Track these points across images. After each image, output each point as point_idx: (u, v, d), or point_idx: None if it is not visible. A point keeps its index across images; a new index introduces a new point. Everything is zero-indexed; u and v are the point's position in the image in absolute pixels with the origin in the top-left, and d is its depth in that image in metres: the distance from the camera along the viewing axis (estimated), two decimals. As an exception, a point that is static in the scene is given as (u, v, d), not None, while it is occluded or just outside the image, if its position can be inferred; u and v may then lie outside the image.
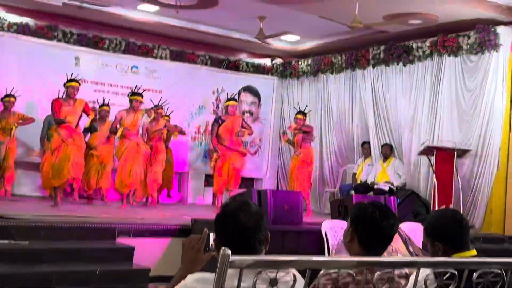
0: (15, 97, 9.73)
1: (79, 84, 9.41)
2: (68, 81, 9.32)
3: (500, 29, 9.86)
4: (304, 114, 11.14)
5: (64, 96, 9.26)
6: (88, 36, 11.76)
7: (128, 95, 10.28)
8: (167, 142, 11.09)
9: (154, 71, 12.24)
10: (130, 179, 9.74)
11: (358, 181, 11.06)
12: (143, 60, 12.30)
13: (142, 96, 10.12)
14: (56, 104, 9.06)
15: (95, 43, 11.85)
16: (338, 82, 12.76)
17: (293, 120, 11.32)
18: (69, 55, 11.47)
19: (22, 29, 11.02)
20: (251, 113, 11.93)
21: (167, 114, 10.80)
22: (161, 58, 12.56)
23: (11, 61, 10.20)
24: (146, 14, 11.42)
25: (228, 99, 11.12)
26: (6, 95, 9.70)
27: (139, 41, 12.30)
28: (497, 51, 9.88)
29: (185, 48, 12.87)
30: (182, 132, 11.29)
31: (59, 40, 11.49)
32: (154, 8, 10.97)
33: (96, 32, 11.82)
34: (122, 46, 12.12)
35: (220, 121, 10.56)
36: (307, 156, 10.95)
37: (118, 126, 9.87)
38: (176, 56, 12.77)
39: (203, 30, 12.20)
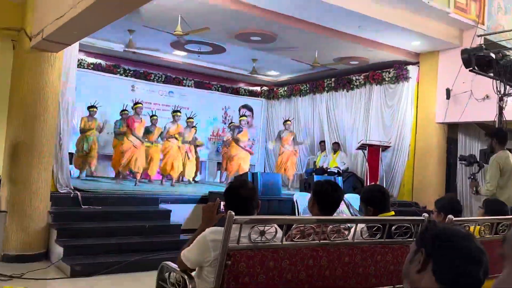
0: (96, 108, 9.71)
1: (142, 105, 9.66)
2: (135, 104, 9.54)
3: (409, 67, 9.94)
4: (289, 120, 11.29)
5: (134, 114, 9.40)
6: (140, 71, 11.70)
7: (171, 112, 10.28)
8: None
9: (184, 95, 12.20)
10: (172, 170, 9.77)
11: (317, 167, 11.08)
12: (176, 87, 12.23)
13: (180, 112, 10.22)
14: (129, 120, 9.27)
15: (145, 76, 11.79)
16: (304, 102, 12.73)
17: (283, 124, 11.33)
18: (128, 84, 11.44)
19: (96, 67, 11.00)
20: (247, 122, 11.92)
21: (195, 125, 10.81)
22: (188, 86, 12.48)
23: (90, 88, 10.18)
24: (178, 57, 11.39)
25: (241, 116, 11.35)
26: (91, 106, 9.67)
27: (173, 75, 12.22)
28: (407, 82, 9.96)
29: (204, 79, 12.79)
30: (199, 145, 11.37)
31: (121, 75, 11.43)
32: (183, 53, 10.95)
33: (146, 69, 11.76)
34: (163, 78, 12.05)
35: (239, 129, 10.70)
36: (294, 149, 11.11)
37: (166, 134, 9.95)
38: (198, 85, 12.69)
39: (216, 68, 12.18)
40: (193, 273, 2.70)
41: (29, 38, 6.02)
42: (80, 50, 7.83)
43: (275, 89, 13.79)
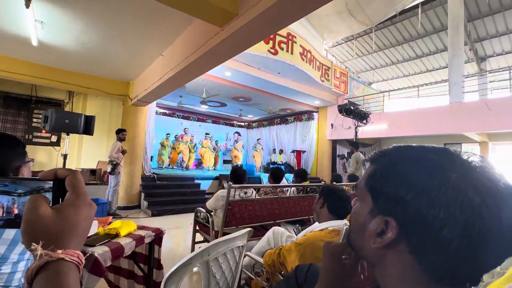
0: (170, 134, 9.66)
1: (188, 129, 9.68)
2: (184, 129, 9.34)
3: (314, 114, 9.95)
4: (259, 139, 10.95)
5: (184, 134, 9.12)
6: (185, 115, 11.43)
7: (205, 135, 10.07)
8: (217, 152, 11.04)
9: (206, 127, 12.03)
10: (206, 164, 9.53)
11: (272, 161, 11.06)
12: (202, 123, 12.02)
13: (209, 134, 10.20)
14: (181, 136, 9.07)
15: (188, 118, 11.53)
16: (265, 130, 12.53)
17: (257, 141, 11.11)
18: (179, 123, 11.12)
19: (164, 114, 10.75)
20: (238, 140, 11.79)
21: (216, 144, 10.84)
22: (208, 122, 12.27)
23: (161, 126, 9.98)
24: (204, 108, 11.13)
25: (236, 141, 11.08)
26: (167, 133, 9.50)
27: (201, 117, 11.99)
28: (314, 120, 9.89)
29: (216, 119, 12.54)
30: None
31: (176, 117, 11.18)
32: (206, 106, 10.76)
33: (188, 114, 11.51)
34: (196, 118, 11.77)
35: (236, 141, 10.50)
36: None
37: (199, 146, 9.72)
38: (213, 122, 12.45)
39: (222, 113, 11.98)
40: (212, 213, 2.68)
41: (130, 99, 5.93)
42: (156, 106, 7.68)
43: (251, 124, 13.68)
